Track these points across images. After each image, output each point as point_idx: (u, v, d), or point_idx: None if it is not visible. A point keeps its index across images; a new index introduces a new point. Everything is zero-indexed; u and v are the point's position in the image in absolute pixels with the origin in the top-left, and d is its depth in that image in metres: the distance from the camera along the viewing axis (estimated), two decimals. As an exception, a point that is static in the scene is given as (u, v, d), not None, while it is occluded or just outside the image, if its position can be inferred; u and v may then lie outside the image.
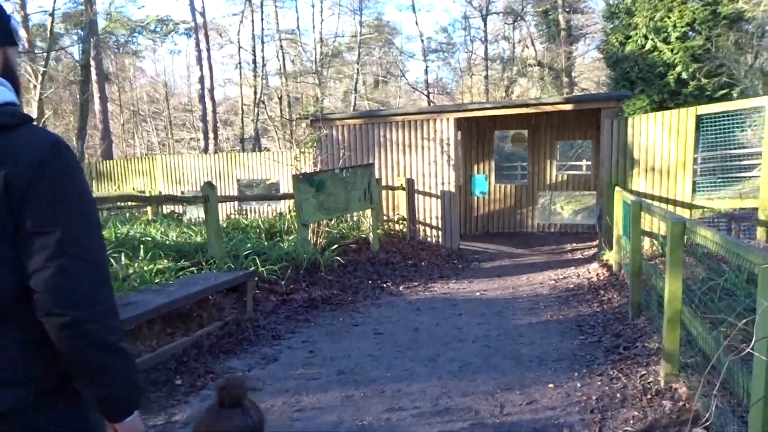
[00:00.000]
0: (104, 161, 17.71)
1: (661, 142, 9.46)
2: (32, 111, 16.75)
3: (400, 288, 8.18)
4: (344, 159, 11.38)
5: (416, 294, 7.89)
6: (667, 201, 9.39)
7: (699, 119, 9.09)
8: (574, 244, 11.99)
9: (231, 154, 16.04)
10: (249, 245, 8.34)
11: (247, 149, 32.80)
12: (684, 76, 27.11)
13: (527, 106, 10.57)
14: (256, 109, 38.79)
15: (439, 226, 11.30)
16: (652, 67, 26.42)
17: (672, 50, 27.49)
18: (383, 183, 11.57)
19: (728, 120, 9.02)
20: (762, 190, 8.39)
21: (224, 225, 10.44)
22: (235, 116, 42.71)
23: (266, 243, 8.91)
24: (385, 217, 11.58)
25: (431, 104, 34.33)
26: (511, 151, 28.37)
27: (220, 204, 14.21)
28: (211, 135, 35.95)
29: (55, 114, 30.71)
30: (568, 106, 10.34)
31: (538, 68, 41.74)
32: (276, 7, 39.17)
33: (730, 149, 9.07)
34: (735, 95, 22.01)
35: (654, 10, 29.25)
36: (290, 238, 9.24)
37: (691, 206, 9.24)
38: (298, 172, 9.37)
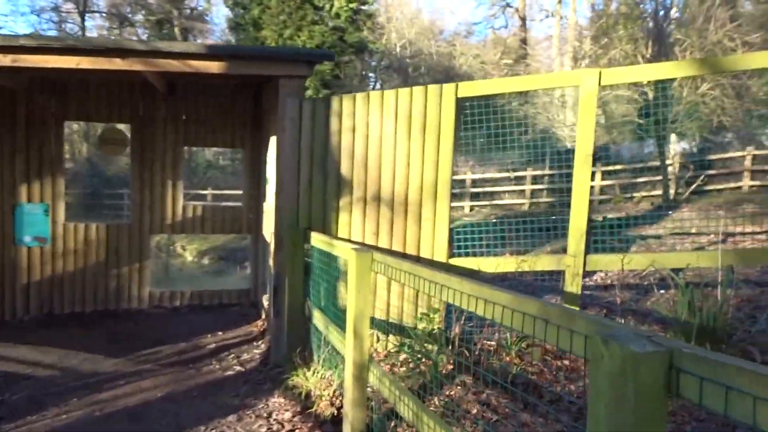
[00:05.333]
0: None
1: (394, 145, 4.95)
2: None
3: None
4: None
5: None
6: (417, 260, 4.87)
7: (460, 105, 4.89)
8: (220, 334, 6.59)
9: None
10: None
11: None
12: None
13: (122, 53, 4.82)
14: None
15: None
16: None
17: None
18: None
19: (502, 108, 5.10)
20: (570, 240, 4.53)
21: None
22: None
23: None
24: None
25: None
26: (112, 171, 21.43)
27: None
28: None
29: None
30: (215, 66, 5.00)
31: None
32: None
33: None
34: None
35: (283, 27, 26.55)
36: None
37: (448, 266, 4.91)
38: None
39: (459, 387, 3.74)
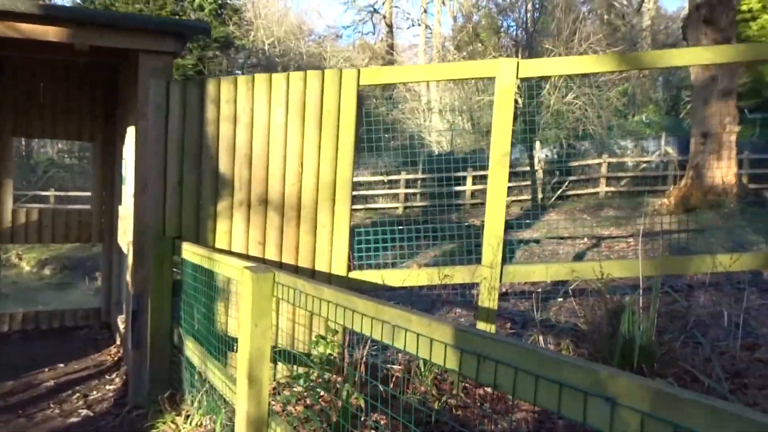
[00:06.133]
0: None
1: (284, 138, 4.21)
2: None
3: None
4: None
5: None
6: (312, 274, 4.17)
7: (361, 94, 4.26)
8: (62, 367, 5.38)
9: None
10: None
11: None
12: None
13: None
14: None
15: None
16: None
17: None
18: None
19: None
20: (485, 248, 4.09)
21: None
22: None
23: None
24: None
25: None
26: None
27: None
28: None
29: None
30: (52, 32, 3.93)
31: None
32: None
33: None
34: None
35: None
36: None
37: (348, 281, 4.26)
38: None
39: (374, 431, 3.09)
